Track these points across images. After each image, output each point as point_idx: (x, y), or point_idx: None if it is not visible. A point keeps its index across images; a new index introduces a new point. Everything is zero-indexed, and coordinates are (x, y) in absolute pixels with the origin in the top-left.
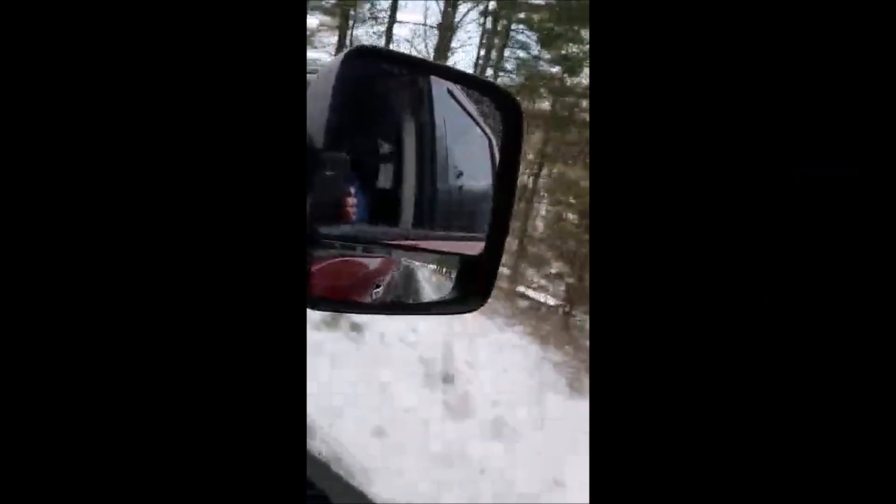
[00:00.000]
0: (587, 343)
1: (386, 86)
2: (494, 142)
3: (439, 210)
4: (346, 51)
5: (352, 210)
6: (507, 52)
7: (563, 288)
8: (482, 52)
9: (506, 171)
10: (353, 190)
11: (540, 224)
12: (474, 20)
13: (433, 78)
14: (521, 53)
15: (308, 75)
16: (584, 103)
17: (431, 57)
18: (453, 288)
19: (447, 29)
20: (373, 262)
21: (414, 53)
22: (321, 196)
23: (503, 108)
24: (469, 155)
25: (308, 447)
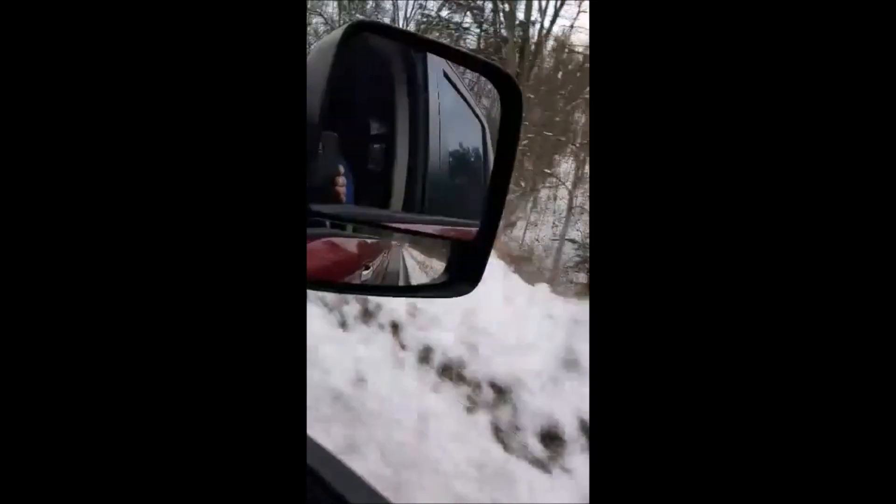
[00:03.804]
0: None
1: (382, 64)
2: (487, 128)
3: (430, 194)
4: (345, 24)
5: (341, 190)
6: None
7: None
8: None
9: (502, 156)
10: (342, 169)
11: None
12: None
13: (429, 60)
14: None
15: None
16: None
17: None
18: (443, 272)
19: None
20: (362, 243)
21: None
22: (311, 174)
23: (503, 91)
24: (461, 140)
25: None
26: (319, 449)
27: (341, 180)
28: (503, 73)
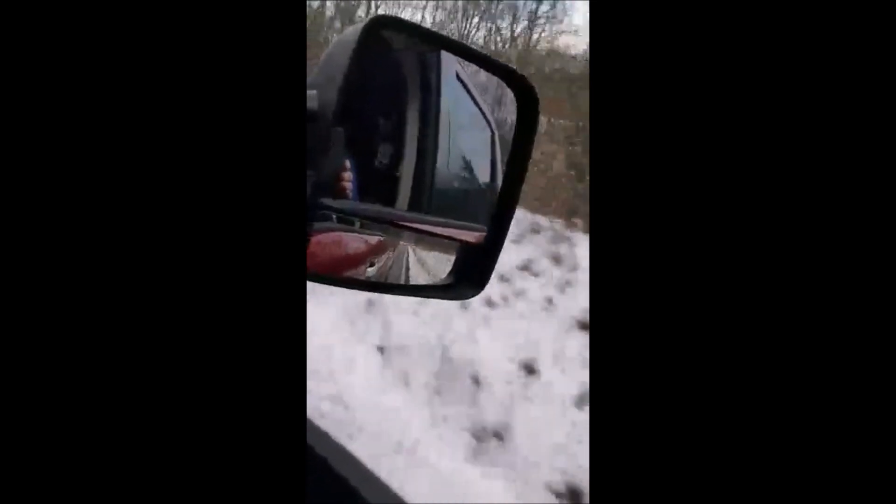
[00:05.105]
0: None
1: (395, 62)
2: (496, 133)
3: (436, 194)
4: (367, 19)
5: (347, 185)
6: None
7: None
8: None
9: (515, 161)
10: (348, 165)
11: None
12: None
13: (443, 61)
14: None
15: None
16: None
17: None
18: (449, 274)
19: None
20: (368, 240)
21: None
22: (318, 168)
23: (519, 95)
24: (471, 143)
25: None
26: (334, 444)
27: (347, 175)
28: (521, 78)
